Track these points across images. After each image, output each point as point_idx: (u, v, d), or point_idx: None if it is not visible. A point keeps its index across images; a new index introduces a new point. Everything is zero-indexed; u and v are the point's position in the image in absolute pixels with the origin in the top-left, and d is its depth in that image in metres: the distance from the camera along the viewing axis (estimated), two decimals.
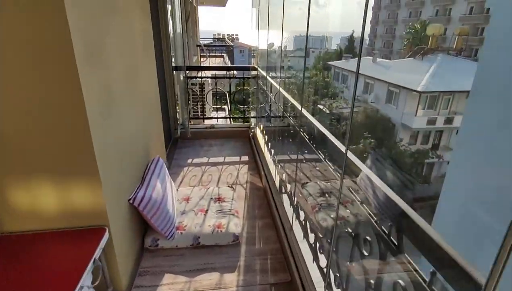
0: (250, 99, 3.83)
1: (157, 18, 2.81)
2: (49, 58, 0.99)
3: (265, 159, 2.64)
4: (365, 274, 1.14)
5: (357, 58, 1.03)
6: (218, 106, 5.16)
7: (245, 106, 3.60)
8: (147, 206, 1.60)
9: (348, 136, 1.13)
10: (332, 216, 1.82)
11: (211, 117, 3.67)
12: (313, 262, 1.47)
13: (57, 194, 1.17)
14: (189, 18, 5.27)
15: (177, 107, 3.34)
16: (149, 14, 2.20)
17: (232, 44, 11.10)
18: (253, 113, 3.77)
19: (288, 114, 2.07)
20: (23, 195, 1.16)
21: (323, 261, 1.41)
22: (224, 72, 3.49)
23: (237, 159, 2.99)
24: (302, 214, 1.76)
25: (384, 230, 1.03)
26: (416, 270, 0.84)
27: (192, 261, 1.67)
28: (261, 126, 3.15)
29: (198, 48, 8.04)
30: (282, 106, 2.27)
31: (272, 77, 2.88)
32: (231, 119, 3.82)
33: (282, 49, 2.43)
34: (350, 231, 1.27)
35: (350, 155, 1.09)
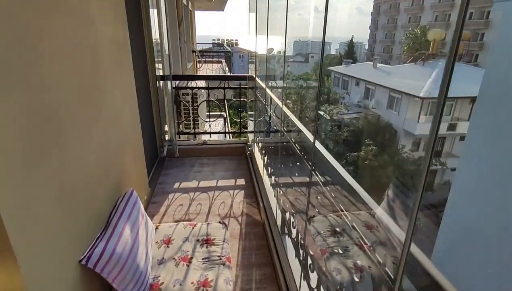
0: (244, 114, 3.48)
1: (140, 24, 2.46)
2: None
3: (263, 185, 2.25)
4: None
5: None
6: (214, 113, 4.78)
7: (241, 120, 3.23)
8: (108, 265, 1.21)
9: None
10: (348, 263, 1.45)
11: (204, 133, 3.29)
12: None
13: None
14: (182, 22, 4.93)
15: (165, 122, 2.97)
16: (125, 19, 1.84)
17: (230, 50, 10.80)
18: (250, 127, 3.40)
19: (294, 140, 1.70)
20: None
21: None
22: (218, 81, 3.12)
23: (231, 182, 2.61)
24: (313, 264, 1.38)
25: None
26: None
27: None
28: (260, 144, 2.78)
29: (194, 54, 7.71)
30: (284, 128, 1.89)
31: (272, 87, 2.52)
32: (227, 135, 3.44)
33: (284, 58, 2.06)
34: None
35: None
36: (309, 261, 1.42)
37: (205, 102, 3.31)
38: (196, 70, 7.98)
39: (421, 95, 13.91)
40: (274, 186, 2.04)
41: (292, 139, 1.68)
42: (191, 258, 1.60)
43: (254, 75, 2.99)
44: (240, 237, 1.89)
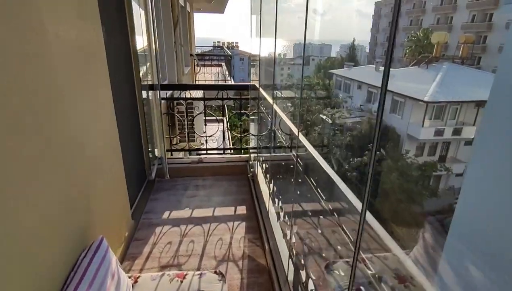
0: (245, 117, 3.10)
1: (123, 24, 2.10)
2: None
3: (269, 219, 1.87)
4: None
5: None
6: (210, 118, 4.36)
7: (241, 135, 2.87)
8: None
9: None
10: None
11: (199, 149, 2.92)
12: None
13: None
14: (179, 25, 4.58)
15: (154, 137, 2.60)
16: (97, 17, 1.48)
17: (230, 53, 10.46)
18: (252, 142, 3.03)
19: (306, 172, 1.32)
20: None
21: None
22: (215, 91, 2.75)
23: (230, 210, 2.23)
24: None
25: None
26: None
27: None
28: (264, 166, 2.40)
29: (192, 58, 7.36)
30: (296, 154, 1.52)
31: (278, 98, 2.16)
32: (226, 151, 3.05)
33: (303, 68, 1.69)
34: None
35: None
36: None
37: (202, 114, 2.94)
38: (195, 75, 7.62)
39: (425, 99, 13.60)
40: (283, 224, 1.67)
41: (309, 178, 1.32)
42: None
43: (257, 85, 2.62)
44: None
